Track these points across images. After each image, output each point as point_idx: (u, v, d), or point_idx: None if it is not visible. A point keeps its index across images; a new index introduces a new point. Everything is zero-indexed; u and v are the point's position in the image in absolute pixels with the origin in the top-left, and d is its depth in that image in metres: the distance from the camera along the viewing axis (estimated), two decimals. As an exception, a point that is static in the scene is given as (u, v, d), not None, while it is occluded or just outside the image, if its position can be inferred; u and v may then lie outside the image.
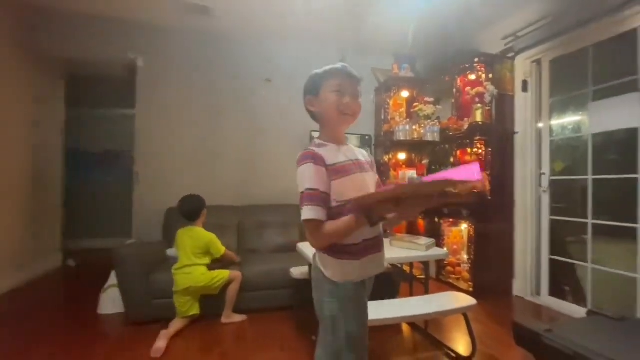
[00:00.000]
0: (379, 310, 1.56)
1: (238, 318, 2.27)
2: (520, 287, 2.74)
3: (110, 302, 2.40)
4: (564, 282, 2.63)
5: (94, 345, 1.89)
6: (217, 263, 2.37)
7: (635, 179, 2.08)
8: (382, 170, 3.64)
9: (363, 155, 1.06)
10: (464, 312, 1.72)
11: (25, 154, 3.11)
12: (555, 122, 2.69)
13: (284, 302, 2.45)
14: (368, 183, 0.99)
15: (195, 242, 2.29)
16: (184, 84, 3.34)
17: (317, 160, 0.91)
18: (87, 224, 4.63)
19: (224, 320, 2.23)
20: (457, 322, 2.24)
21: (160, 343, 1.80)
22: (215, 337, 2.03)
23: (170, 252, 2.76)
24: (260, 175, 3.46)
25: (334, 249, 0.93)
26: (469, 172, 0.83)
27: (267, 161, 3.50)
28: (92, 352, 1.83)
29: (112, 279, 2.41)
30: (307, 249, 1.87)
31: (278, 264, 2.51)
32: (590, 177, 2.35)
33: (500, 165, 2.79)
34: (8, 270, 2.81)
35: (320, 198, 0.88)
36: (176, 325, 2.04)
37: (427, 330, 2.07)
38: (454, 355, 1.83)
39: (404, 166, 3.64)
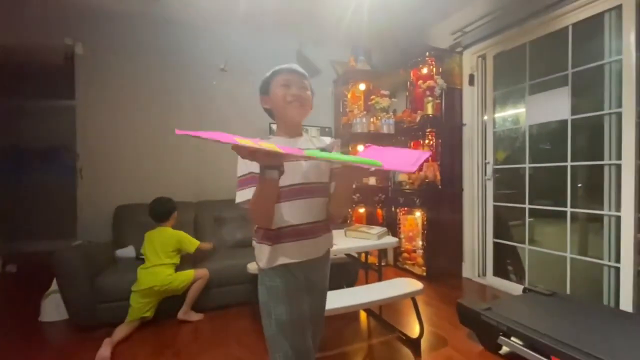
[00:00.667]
0: (334, 299, 1.59)
1: (195, 317, 2.21)
2: (468, 269, 2.93)
3: (54, 308, 2.24)
4: (506, 263, 2.85)
5: (35, 355, 1.76)
6: (190, 259, 2.38)
7: (565, 167, 2.28)
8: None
9: (321, 142, 1.07)
10: (412, 297, 1.81)
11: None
12: (498, 114, 2.87)
13: (242, 298, 2.43)
14: (304, 169, 0.97)
15: (166, 240, 2.25)
16: (130, 73, 3.12)
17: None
18: (28, 226, 4.25)
19: (180, 316, 2.17)
20: (409, 306, 2.36)
21: (104, 351, 1.71)
22: (169, 337, 1.97)
23: (120, 252, 2.63)
24: (216, 169, 3.35)
25: (258, 234, 0.99)
26: (407, 160, 0.83)
27: (223, 155, 3.40)
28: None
29: (55, 284, 2.24)
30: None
31: (235, 260, 2.48)
32: (527, 165, 2.54)
33: (449, 156, 2.93)
34: None
35: (251, 180, 0.91)
36: (122, 331, 1.93)
37: (382, 316, 2.16)
38: (404, 337, 1.93)
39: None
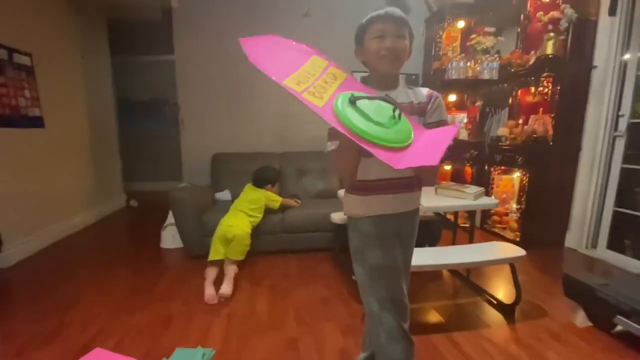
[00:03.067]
0: (426, 257, 1.56)
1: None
2: (574, 239, 2.58)
3: (170, 238, 2.68)
4: (625, 235, 2.42)
5: (159, 275, 2.16)
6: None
7: None
8: (428, 113, 3.40)
9: (418, 95, 1.00)
10: (511, 262, 1.67)
11: (81, 104, 3.31)
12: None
13: (323, 245, 2.57)
14: None
15: (257, 195, 2.41)
16: (221, 26, 3.21)
17: None
18: (143, 169, 5.05)
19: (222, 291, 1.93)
20: (500, 271, 2.22)
21: (209, 291, 1.89)
22: (264, 272, 2.21)
23: (219, 195, 2.95)
24: (298, 121, 3.41)
25: (350, 186, 1.01)
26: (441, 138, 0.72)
27: (302, 108, 3.40)
28: (157, 280, 2.09)
29: (170, 218, 2.65)
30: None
31: (318, 209, 2.58)
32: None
33: (568, 107, 2.45)
34: (80, 210, 3.20)
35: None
36: (210, 273, 2.03)
37: (469, 278, 2.07)
38: (495, 302, 1.83)
39: (453, 109, 3.36)
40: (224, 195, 2.93)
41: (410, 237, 1.08)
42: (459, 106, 3.36)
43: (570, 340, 1.52)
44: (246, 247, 2.17)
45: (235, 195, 2.85)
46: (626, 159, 2.31)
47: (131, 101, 4.96)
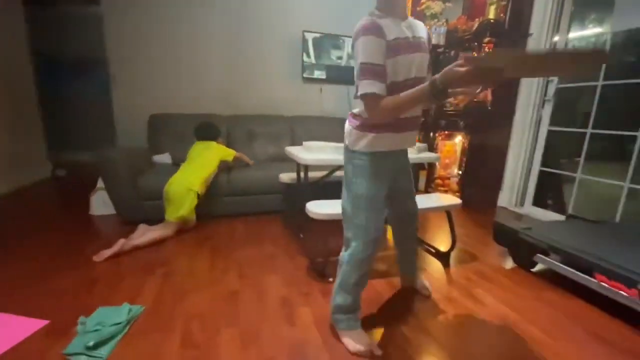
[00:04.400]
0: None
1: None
2: (506, 198, 2.81)
3: (101, 203, 2.43)
4: (548, 194, 2.68)
5: (87, 243, 1.95)
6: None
7: (649, 83, 1.93)
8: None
9: (424, 31, 1.04)
10: (447, 210, 1.75)
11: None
12: (577, 20, 2.40)
13: (274, 207, 2.51)
14: (422, 65, 1.01)
15: (207, 149, 2.36)
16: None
17: (379, 32, 0.91)
18: (73, 136, 4.50)
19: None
20: (440, 224, 2.35)
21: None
22: (208, 233, 2.10)
23: (157, 158, 2.72)
24: (249, 83, 3.23)
25: (358, 121, 1.06)
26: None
27: (256, 68, 3.23)
28: (85, 245, 1.89)
29: (101, 182, 2.39)
30: (297, 151, 1.80)
31: (267, 171, 2.50)
32: (600, 82, 2.19)
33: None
34: (-4, 176, 2.77)
35: (381, 72, 0.92)
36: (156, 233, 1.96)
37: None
38: (433, 251, 1.93)
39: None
40: (164, 158, 2.71)
41: (406, 166, 1.25)
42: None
43: (496, 279, 1.65)
44: (186, 206, 2.06)
45: (177, 158, 2.67)
46: (552, 122, 2.52)
47: (55, 60, 4.33)
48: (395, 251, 1.47)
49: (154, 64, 2.98)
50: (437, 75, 0.83)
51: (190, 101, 3.06)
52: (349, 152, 1.10)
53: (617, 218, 2.12)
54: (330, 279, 1.57)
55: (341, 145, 1.79)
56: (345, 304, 1.14)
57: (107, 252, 1.73)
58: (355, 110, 1.08)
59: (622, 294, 1.28)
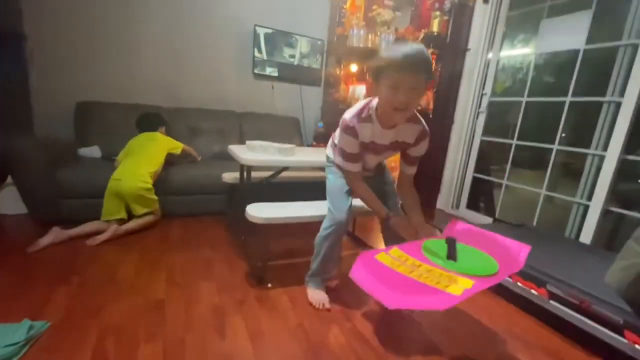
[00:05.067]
0: (307, 209, 1.55)
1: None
2: (443, 201, 2.99)
3: (11, 201, 2.11)
4: (480, 199, 2.91)
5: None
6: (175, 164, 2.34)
7: (563, 102, 2.17)
8: (332, 82, 3.43)
9: (407, 135, 1.23)
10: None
11: None
12: (508, 40, 2.62)
13: (216, 208, 2.39)
14: (369, 162, 1.36)
15: (158, 142, 2.23)
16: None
17: (354, 134, 1.20)
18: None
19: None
20: (378, 226, 2.42)
21: (46, 239, 1.70)
22: (137, 237, 1.92)
23: (84, 151, 2.45)
24: (194, 74, 3.03)
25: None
26: (507, 254, 1.01)
27: (202, 58, 3.04)
28: (-16, 249, 1.62)
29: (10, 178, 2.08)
30: (239, 150, 1.72)
31: (211, 170, 2.38)
32: (525, 99, 2.42)
33: (447, 84, 2.75)
34: None
35: (357, 157, 1.27)
36: (90, 227, 1.86)
37: (354, 233, 2.20)
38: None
39: (354, 79, 3.45)
40: (92, 151, 2.44)
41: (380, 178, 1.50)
42: (360, 77, 3.47)
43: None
44: (148, 198, 2.01)
45: (108, 152, 2.42)
46: (485, 132, 2.73)
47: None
48: None
49: (81, 45, 2.66)
50: (392, 218, 1.27)
51: (125, 90, 2.79)
52: (328, 160, 1.46)
53: (535, 222, 2.36)
54: (269, 285, 1.52)
55: (286, 146, 1.76)
56: (314, 269, 1.41)
57: (98, 239, 1.78)
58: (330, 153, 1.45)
59: (534, 292, 1.41)
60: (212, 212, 2.39)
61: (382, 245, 2.00)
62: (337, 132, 1.27)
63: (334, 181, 1.39)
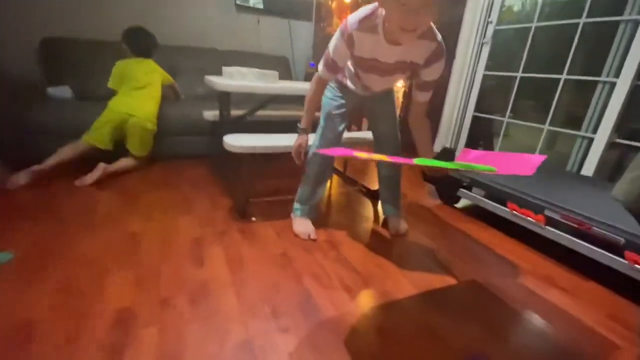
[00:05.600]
0: (287, 139, 1.43)
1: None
2: (441, 141, 2.86)
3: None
4: (479, 141, 2.78)
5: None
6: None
7: (576, 25, 1.96)
8: (324, 15, 3.13)
9: (418, 54, 1.02)
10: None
11: None
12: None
13: (199, 150, 2.27)
14: (372, 85, 1.19)
15: (154, 69, 2.08)
16: None
17: (350, 44, 1.01)
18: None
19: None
20: (371, 164, 2.33)
21: (23, 176, 1.59)
22: (117, 175, 1.82)
23: (53, 90, 2.24)
24: (167, 7, 2.73)
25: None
26: (522, 165, 0.80)
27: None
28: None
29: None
30: (217, 79, 1.55)
31: (192, 109, 2.21)
32: (534, 24, 2.19)
33: (451, 9, 2.48)
34: None
35: (335, 67, 1.09)
36: (66, 153, 1.72)
37: (345, 173, 2.10)
38: (364, 190, 1.90)
39: (349, 12, 3.14)
40: (62, 91, 2.24)
41: (381, 106, 1.34)
42: (354, 7, 3.15)
43: (421, 214, 1.67)
44: (150, 141, 1.95)
45: (81, 92, 2.24)
46: (487, 66, 2.52)
47: None
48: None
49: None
50: (300, 136, 1.22)
51: (95, 24, 2.52)
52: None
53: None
54: (254, 218, 1.45)
55: (267, 72, 1.59)
56: (301, 195, 1.37)
57: (88, 179, 1.66)
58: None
59: (530, 220, 1.35)
60: (196, 154, 2.27)
61: (375, 186, 1.91)
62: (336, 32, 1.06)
63: (331, 102, 1.26)
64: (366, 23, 0.97)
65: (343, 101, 1.26)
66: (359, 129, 2.93)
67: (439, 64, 1.03)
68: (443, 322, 0.94)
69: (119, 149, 1.89)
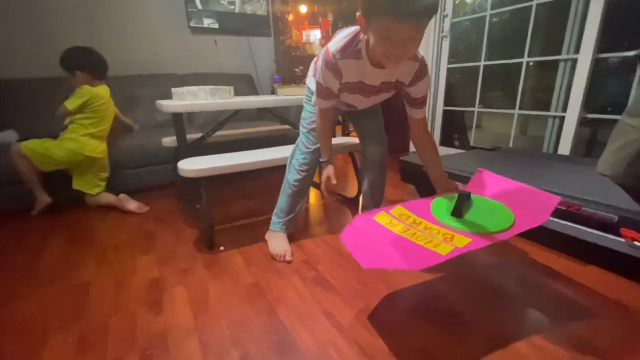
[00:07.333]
0: (248, 157, 1.32)
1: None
2: (416, 141, 2.81)
3: None
4: (454, 134, 2.75)
5: None
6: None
7: (530, 6, 1.96)
8: (282, 29, 3.08)
9: (402, 74, 0.97)
10: (350, 151, 1.60)
11: None
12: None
13: (162, 180, 2.12)
14: (357, 105, 1.16)
15: (110, 101, 1.87)
16: None
17: (336, 73, 0.96)
18: None
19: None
20: (346, 169, 2.24)
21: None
22: (66, 221, 1.65)
23: (-2, 136, 2.06)
24: (119, 37, 2.61)
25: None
26: (533, 203, 0.86)
27: (124, 17, 2.61)
28: None
29: None
30: (166, 102, 1.43)
31: (152, 138, 2.07)
32: (488, 12, 2.19)
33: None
34: None
35: (332, 94, 1.02)
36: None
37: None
38: (342, 198, 1.80)
39: (306, 23, 3.11)
40: (7, 136, 2.07)
41: (368, 110, 1.27)
42: (311, 21, 3.13)
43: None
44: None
45: (28, 135, 2.06)
46: (450, 60, 2.51)
47: None
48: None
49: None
50: (325, 168, 1.13)
51: (39, 62, 2.37)
52: (309, 92, 1.21)
53: (511, 145, 2.22)
54: (222, 247, 1.31)
55: (220, 87, 1.48)
56: (280, 207, 1.29)
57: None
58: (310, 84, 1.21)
59: (515, 208, 1.27)
60: (161, 184, 2.12)
61: (353, 194, 1.81)
62: (318, 62, 1.00)
63: (311, 115, 1.19)
64: (348, 50, 0.93)
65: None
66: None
67: (423, 81, 0.99)
68: (440, 339, 0.83)
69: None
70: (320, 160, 1.17)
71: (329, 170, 1.12)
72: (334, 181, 1.12)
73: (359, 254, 0.74)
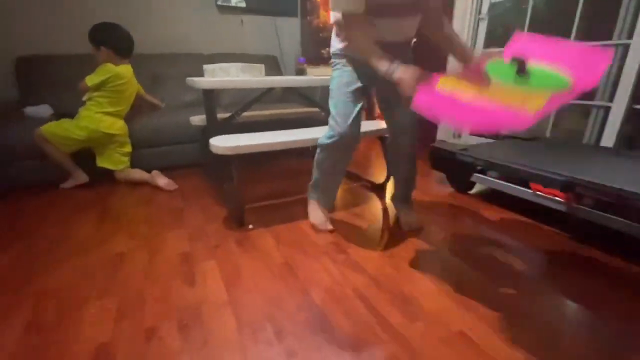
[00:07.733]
0: (280, 137, 1.30)
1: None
2: (443, 132, 2.72)
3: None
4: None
5: None
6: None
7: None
8: (310, 9, 3.00)
9: None
10: (380, 135, 1.55)
11: None
12: None
13: (190, 159, 2.14)
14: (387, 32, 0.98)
15: (134, 79, 1.92)
16: None
17: None
18: None
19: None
20: (377, 160, 2.19)
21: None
22: (96, 195, 1.69)
23: (31, 110, 2.12)
24: (147, 14, 2.61)
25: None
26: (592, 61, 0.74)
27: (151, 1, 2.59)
28: None
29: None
30: (199, 78, 1.42)
31: (180, 117, 2.09)
32: (533, -7, 2.05)
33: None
34: None
35: None
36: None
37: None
38: (369, 185, 1.76)
39: (334, 4, 3.01)
40: (41, 110, 2.12)
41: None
42: None
43: (434, 204, 1.53)
44: None
45: (62, 109, 2.11)
46: (486, 44, 2.38)
47: None
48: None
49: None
50: (398, 70, 0.86)
51: (71, 38, 2.41)
52: (333, 54, 1.14)
53: (547, 134, 2.11)
54: (251, 226, 1.31)
55: (251, 64, 1.46)
56: (316, 181, 1.27)
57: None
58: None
59: (558, 199, 1.20)
60: (186, 164, 2.14)
61: (381, 179, 1.77)
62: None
63: (339, 79, 1.10)
64: None
65: (355, 75, 1.08)
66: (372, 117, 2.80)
67: None
68: (478, 326, 0.80)
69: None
70: (387, 69, 0.88)
71: (412, 68, 0.84)
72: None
73: (456, 116, 0.68)
